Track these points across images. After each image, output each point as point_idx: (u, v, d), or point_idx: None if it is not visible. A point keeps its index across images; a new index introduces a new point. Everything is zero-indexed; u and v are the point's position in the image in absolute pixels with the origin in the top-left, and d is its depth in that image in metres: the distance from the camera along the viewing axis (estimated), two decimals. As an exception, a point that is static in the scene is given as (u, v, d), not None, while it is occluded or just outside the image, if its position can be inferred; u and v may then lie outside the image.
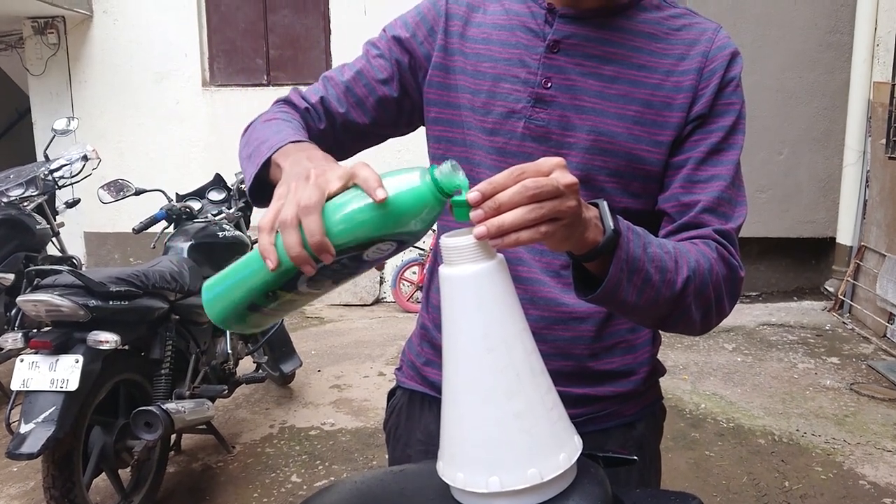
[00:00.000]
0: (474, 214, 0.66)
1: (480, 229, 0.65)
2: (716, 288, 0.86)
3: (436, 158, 1.05)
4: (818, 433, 3.29)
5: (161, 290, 2.61)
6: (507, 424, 0.66)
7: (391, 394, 1.17)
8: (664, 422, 1.12)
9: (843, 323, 4.97)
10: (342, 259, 0.68)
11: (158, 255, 3.02)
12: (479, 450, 0.67)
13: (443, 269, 0.68)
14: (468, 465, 0.68)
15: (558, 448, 0.68)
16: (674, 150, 0.95)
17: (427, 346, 1.10)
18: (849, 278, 5.09)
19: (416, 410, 1.08)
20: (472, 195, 0.66)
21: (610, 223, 0.74)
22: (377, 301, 6.23)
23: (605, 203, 0.77)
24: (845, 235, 5.35)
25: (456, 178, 0.67)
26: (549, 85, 0.95)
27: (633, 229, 0.78)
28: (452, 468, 0.69)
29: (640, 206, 0.97)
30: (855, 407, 3.57)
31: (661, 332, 1.04)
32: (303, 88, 1.07)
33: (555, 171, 0.68)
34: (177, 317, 2.74)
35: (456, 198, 0.67)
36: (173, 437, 3.07)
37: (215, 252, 3.11)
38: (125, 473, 2.65)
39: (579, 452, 0.70)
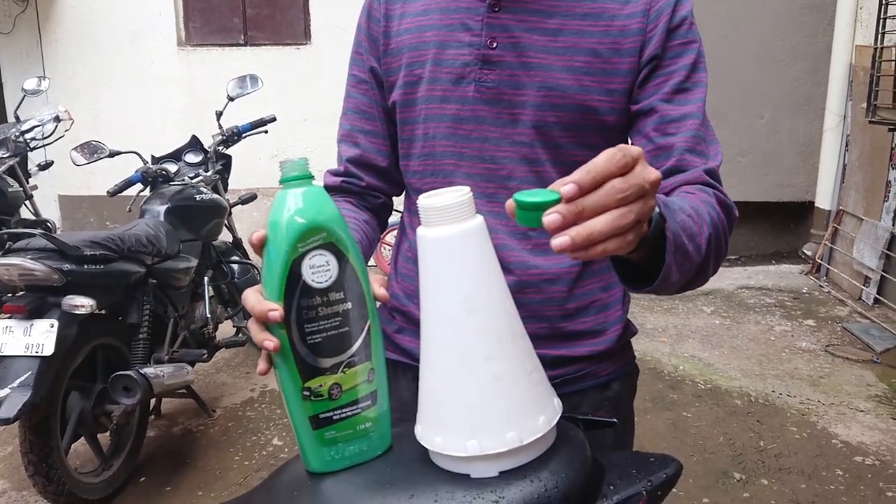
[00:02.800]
0: (550, 220, 0.56)
1: (562, 240, 0.56)
2: (724, 234, 0.85)
3: (402, 141, 1.06)
4: (793, 394, 3.34)
5: (137, 254, 2.57)
6: (486, 388, 0.65)
7: None
8: (637, 381, 1.13)
9: (820, 286, 5.03)
10: (302, 306, 0.69)
11: (134, 218, 2.97)
12: (458, 413, 0.66)
13: (421, 231, 0.66)
14: (447, 429, 0.67)
15: (538, 411, 0.67)
16: (636, 96, 0.94)
17: (398, 314, 1.09)
18: (826, 242, 5.14)
19: (389, 379, 1.07)
20: (567, 188, 0.57)
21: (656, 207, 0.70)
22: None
23: None
24: (824, 199, 5.38)
25: (298, 164, 0.69)
26: (495, 45, 0.94)
27: (665, 203, 0.73)
28: (431, 432, 0.68)
29: None
30: (829, 368, 3.63)
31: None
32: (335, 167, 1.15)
33: (637, 165, 0.60)
34: (154, 281, 2.70)
35: (520, 197, 0.59)
36: (153, 401, 3.06)
37: (192, 215, 3.06)
38: (104, 438, 2.64)
39: (559, 415, 0.69)
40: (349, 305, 0.71)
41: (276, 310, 0.68)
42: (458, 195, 0.65)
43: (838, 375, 3.55)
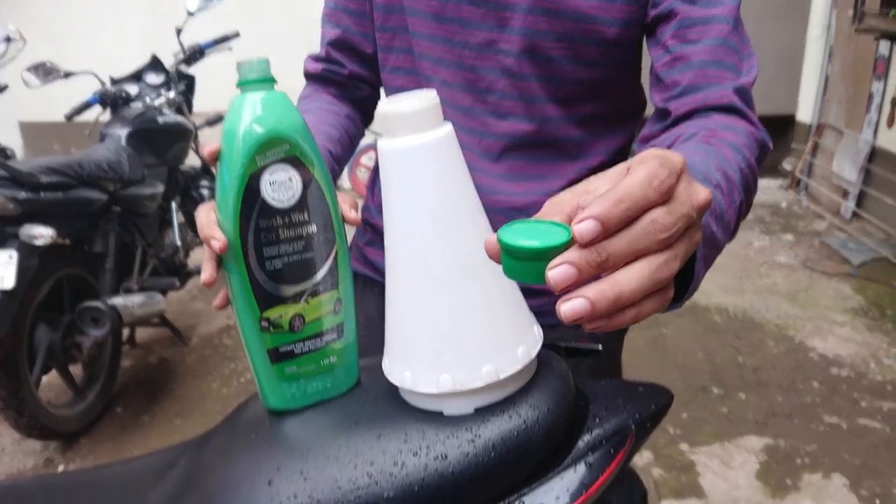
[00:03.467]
0: (559, 275, 0.39)
1: (576, 305, 0.39)
2: (755, 183, 0.71)
3: (383, 31, 0.94)
4: (772, 309, 3.35)
5: (98, 180, 2.45)
6: (459, 317, 0.59)
7: None
8: None
9: (799, 201, 5.02)
10: (260, 227, 0.61)
11: (94, 143, 2.83)
12: (429, 346, 0.60)
13: (382, 143, 0.58)
14: (416, 364, 0.60)
15: (516, 341, 0.61)
16: (650, 4, 0.81)
17: (369, 227, 1.02)
18: (807, 156, 5.09)
19: (357, 294, 1.01)
20: (584, 227, 0.39)
21: None
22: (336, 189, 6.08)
23: None
24: (805, 113, 5.30)
25: (257, 65, 0.60)
26: None
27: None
28: (399, 367, 0.62)
29: (597, 75, 0.86)
30: (807, 283, 3.64)
31: None
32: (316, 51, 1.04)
33: (681, 183, 0.43)
34: (118, 208, 2.59)
35: (508, 237, 0.41)
36: (127, 330, 3.00)
37: (156, 139, 2.93)
38: (77, 370, 2.58)
39: (539, 345, 0.63)
40: (314, 228, 0.64)
41: (218, 239, 0.60)
42: (423, 100, 0.57)
43: (816, 289, 3.56)
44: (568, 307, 0.39)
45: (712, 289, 3.59)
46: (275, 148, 0.61)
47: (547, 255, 0.40)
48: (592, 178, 0.46)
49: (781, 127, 5.61)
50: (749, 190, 0.68)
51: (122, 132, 2.83)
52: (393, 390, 0.65)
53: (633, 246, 0.40)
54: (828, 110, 5.02)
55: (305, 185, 0.63)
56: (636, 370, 2.75)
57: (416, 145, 0.57)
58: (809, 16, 5.19)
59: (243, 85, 0.61)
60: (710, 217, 0.56)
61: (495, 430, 0.59)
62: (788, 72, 5.45)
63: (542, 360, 0.65)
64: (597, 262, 0.39)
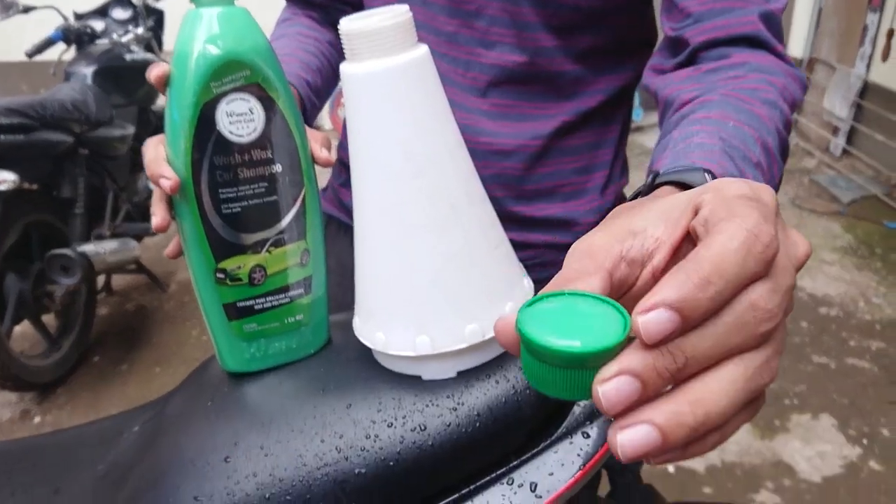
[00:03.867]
0: (613, 392, 0.27)
1: (640, 435, 0.27)
2: (789, 135, 0.61)
3: None
4: (760, 248, 3.31)
5: (63, 122, 2.32)
6: (438, 270, 0.51)
7: None
8: None
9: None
10: (216, 165, 0.53)
11: (59, 82, 2.69)
12: (404, 303, 0.52)
13: (345, 67, 0.49)
14: (390, 323, 0.53)
15: (504, 296, 0.53)
16: None
17: (344, 167, 0.93)
18: (797, 92, 4.99)
19: (330, 239, 0.92)
20: (652, 321, 0.27)
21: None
22: (315, 129, 5.92)
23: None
24: (796, 48, 5.18)
25: None
26: None
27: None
28: (370, 327, 0.54)
29: (599, 1, 0.76)
30: (797, 221, 3.59)
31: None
32: None
33: (779, 244, 0.31)
34: (86, 151, 2.47)
35: (533, 329, 0.29)
36: (102, 278, 2.91)
37: (124, 77, 2.78)
38: (51, 319, 2.51)
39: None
40: (278, 168, 0.56)
41: (168, 178, 0.52)
42: (393, 16, 0.48)
43: (805, 228, 3.51)
44: (628, 440, 0.27)
45: (701, 228, 3.54)
46: (233, 73, 0.52)
47: (594, 360, 0.27)
48: (634, 211, 0.35)
49: (772, 62, 5.48)
50: (786, 153, 0.58)
51: (87, 70, 2.69)
52: (366, 352, 0.58)
53: (722, 344, 0.28)
54: (819, 44, 4.90)
55: (269, 118, 0.54)
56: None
57: (384, 69, 0.48)
58: (804, -55, 5.02)
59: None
60: None
61: (480, 396, 0.52)
62: (781, 4, 5.30)
63: (532, 316, 0.58)
64: (671, 371, 0.28)
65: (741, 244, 0.28)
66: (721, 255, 0.28)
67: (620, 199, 0.89)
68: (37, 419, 2.31)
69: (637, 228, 0.35)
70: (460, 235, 0.51)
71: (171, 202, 0.55)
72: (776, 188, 0.54)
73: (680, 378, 0.28)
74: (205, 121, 0.52)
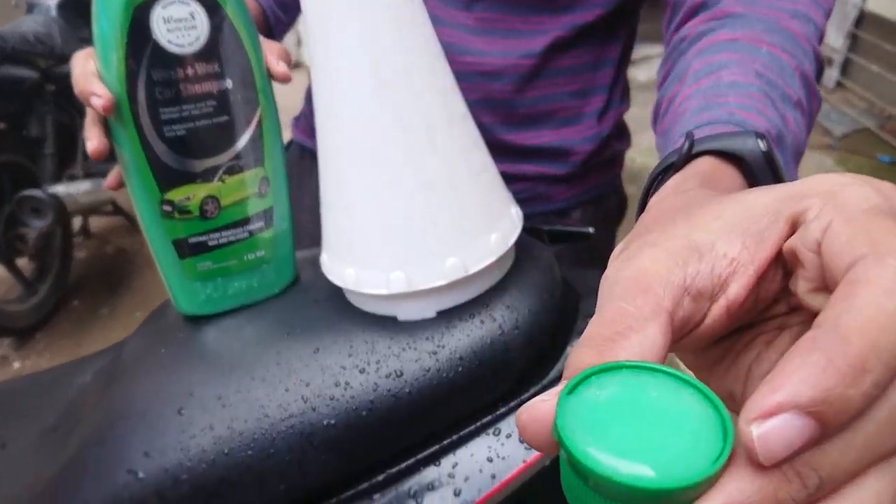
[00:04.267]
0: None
1: None
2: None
3: None
4: (752, 183, 3.26)
5: (27, 56, 2.20)
6: (413, 198, 0.45)
7: (287, 148, 0.93)
8: (623, 204, 0.88)
9: (781, 71, 4.84)
10: (154, 80, 0.46)
11: (21, 14, 2.55)
12: (376, 236, 0.46)
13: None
14: (362, 258, 0.47)
15: (489, 226, 0.47)
16: None
17: None
18: (791, 23, 4.87)
19: (305, 171, 0.85)
20: (776, 432, 0.18)
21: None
22: (297, 65, 5.76)
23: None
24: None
25: None
26: None
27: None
28: (339, 263, 0.49)
29: None
30: (788, 155, 3.53)
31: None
32: None
33: None
34: (53, 87, 2.36)
35: (584, 446, 0.19)
36: (79, 221, 2.83)
37: (90, 8, 2.64)
38: (27, 264, 2.44)
39: (518, 231, 0.50)
40: (228, 84, 0.49)
41: (100, 95, 0.45)
42: None
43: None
44: None
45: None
46: None
47: (680, 496, 0.18)
48: (691, 214, 0.26)
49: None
50: (820, 76, 0.50)
51: (51, 2, 2.54)
52: (337, 291, 0.52)
53: (872, 454, 0.19)
54: (816, -28, 4.75)
55: (215, 26, 0.47)
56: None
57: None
58: None
59: None
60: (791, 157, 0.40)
61: (463, 338, 0.46)
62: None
63: (520, 248, 0.53)
64: (798, 502, 0.19)
65: (889, 319, 0.18)
66: (880, 323, 0.18)
67: (620, 126, 0.82)
68: (16, 364, 2.26)
69: (702, 244, 0.24)
70: (438, 159, 0.45)
71: (107, 124, 0.49)
72: (811, 127, 0.47)
73: (818, 497, 0.19)
74: (138, 28, 0.45)
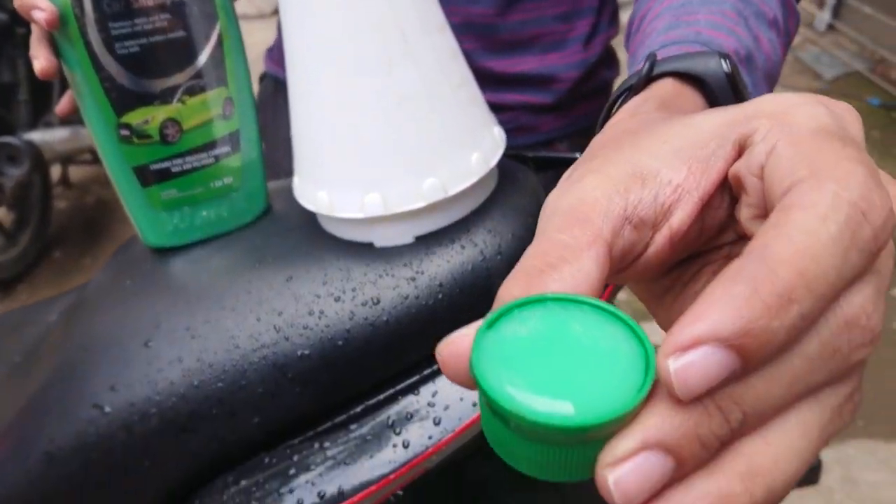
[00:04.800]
0: (634, 477, 0.17)
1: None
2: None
3: None
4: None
5: (-7, -3, 2.13)
6: (388, 114, 0.42)
7: (259, 81, 0.89)
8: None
9: (772, 13, 4.77)
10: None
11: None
12: (349, 157, 0.43)
13: None
14: (335, 180, 0.44)
15: (469, 146, 0.45)
16: None
17: None
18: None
19: (281, 103, 0.82)
20: (695, 364, 0.16)
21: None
22: (276, 12, 5.61)
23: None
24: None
25: None
26: None
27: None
28: (310, 186, 0.46)
29: None
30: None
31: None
32: None
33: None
34: (23, 30, 2.28)
35: (498, 384, 0.17)
36: (58, 171, 2.77)
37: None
38: (6, 214, 2.39)
39: (500, 152, 0.47)
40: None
41: (42, 9, 0.42)
42: None
43: (787, 106, 3.43)
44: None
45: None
46: None
47: (598, 431, 0.17)
48: (637, 139, 0.24)
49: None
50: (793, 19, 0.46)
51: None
52: (311, 218, 0.49)
53: (800, 388, 0.18)
54: (809, -90, 4.65)
55: None
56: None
57: None
58: None
59: None
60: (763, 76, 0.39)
61: (443, 264, 0.44)
62: None
63: (503, 173, 0.50)
64: (721, 438, 0.18)
65: (841, 231, 0.17)
66: (811, 252, 0.17)
67: (608, 53, 0.79)
68: (-1, 316, 2.24)
69: (647, 170, 0.23)
70: (413, 71, 0.42)
71: (54, 42, 0.45)
72: (788, 47, 0.44)
73: (731, 441, 0.18)
74: None
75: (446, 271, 0.44)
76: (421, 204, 0.43)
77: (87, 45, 0.44)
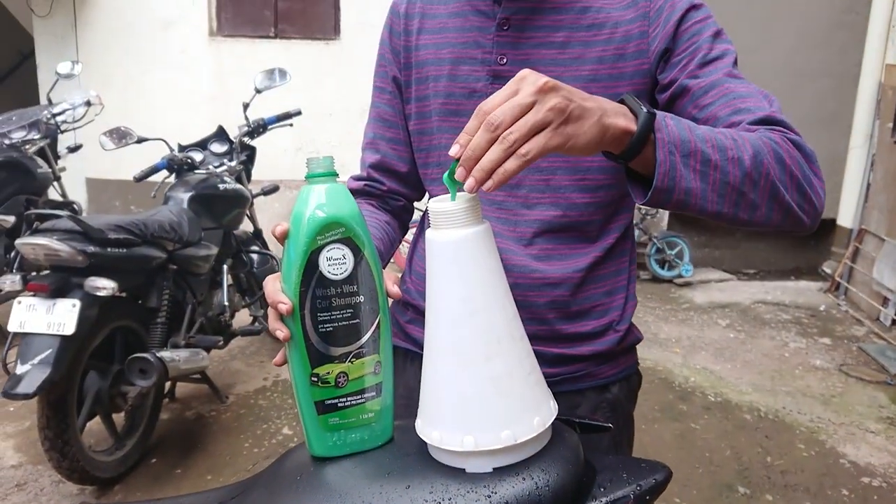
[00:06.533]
0: (459, 173, 0.67)
1: (469, 182, 0.66)
2: (794, 161, 0.82)
3: (419, 151, 1.10)
4: (804, 411, 3.33)
5: (159, 240, 2.62)
6: (484, 387, 0.68)
7: None
8: (639, 388, 1.14)
9: (838, 304, 5.00)
10: (317, 295, 0.72)
11: (159, 204, 3.03)
12: (456, 410, 0.69)
13: (430, 234, 0.70)
14: (445, 425, 0.70)
15: (533, 411, 0.70)
16: (665, 81, 0.94)
17: (410, 308, 1.13)
18: (847, 261, 5.10)
19: (398, 366, 1.10)
20: (452, 150, 0.67)
21: (641, 107, 0.73)
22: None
23: (629, 94, 0.76)
24: (846, 218, 5.34)
25: (323, 161, 0.72)
26: (505, 61, 0.98)
27: (671, 115, 0.77)
28: (430, 427, 0.71)
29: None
30: (843, 388, 3.61)
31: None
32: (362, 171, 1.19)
33: (521, 88, 0.67)
34: (174, 267, 2.75)
35: (445, 177, 0.68)
36: (168, 384, 3.11)
37: (215, 204, 3.11)
38: (119, 418, 2.69)
39: (554, 416, 0.72)
40: (361, 299, 0.74)
41: (285, 303, 0.71)
42: (464, 201, 0.68)
43: (851, 395, 3.53)
44: (467, 185, 0.66)
45: (745, 387, 3.59)
46: (333, 230, 0.72)
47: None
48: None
49: (822, 230, 5.64)
50: (776, 157, 0.80)
51: (184, 196, 3.01)
52: (422, 448, 0.74)
53: (481, 140, 0.66)
54: (869, 217, 5.05)
55: (357, 262, 0.74)
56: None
57: (456, 238, 0.68)
58: (852, 124, 5.29)
59: (311, 178, 0.73)
60: (705, 145, 0.76)
61: (510, 488, 0.67)
62: (830, 177, 5.52)
63: (556, 432, 0.74)
64: (470, 157, 0.66)
65: (475, 115, 0.68)
66: (469, 123, 0.68)
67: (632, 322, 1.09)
68: (93, 512, 2.44)
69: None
70: (502, 363, 0.69)
71: (282, 320, 0.74)
72: (744, 161, 0.78)
73: (477, 159, 0.67)
74: (311, 263, 0.72)
75: (512, 494, 0.66)
76: (499, 446, 0.67)
77: (302, 325, 0.72)
